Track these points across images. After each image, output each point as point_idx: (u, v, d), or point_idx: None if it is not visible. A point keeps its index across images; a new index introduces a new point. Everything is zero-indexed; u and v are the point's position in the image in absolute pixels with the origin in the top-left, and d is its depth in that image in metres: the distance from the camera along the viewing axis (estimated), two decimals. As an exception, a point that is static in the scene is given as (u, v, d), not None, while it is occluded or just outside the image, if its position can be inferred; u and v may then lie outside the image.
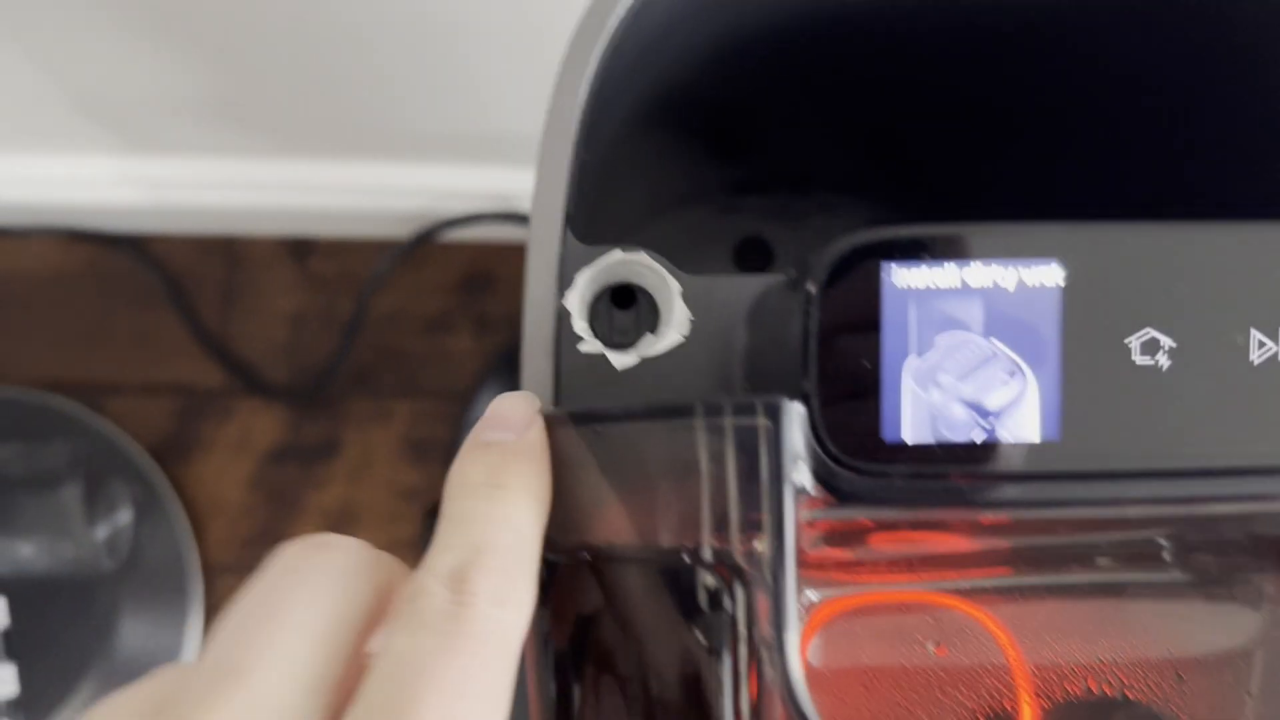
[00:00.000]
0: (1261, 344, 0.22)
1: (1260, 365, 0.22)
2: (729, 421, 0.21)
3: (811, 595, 0.23)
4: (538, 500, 0.22)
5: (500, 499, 0.22)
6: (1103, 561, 0.25)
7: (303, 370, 0.79)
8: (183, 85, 0.63)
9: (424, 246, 0.77)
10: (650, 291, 0.28)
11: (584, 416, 0.23)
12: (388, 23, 0.57)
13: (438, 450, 0.79)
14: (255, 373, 0.78)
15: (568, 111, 0.26)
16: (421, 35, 0.58)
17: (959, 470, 0.22)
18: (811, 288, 0.22)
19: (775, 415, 0.21)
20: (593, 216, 0.37)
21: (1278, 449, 0.22)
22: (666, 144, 0.46)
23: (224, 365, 0.77)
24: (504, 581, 0.20)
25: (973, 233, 0.21)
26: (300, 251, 0.80)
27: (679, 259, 0.55)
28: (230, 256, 0.80)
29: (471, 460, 0.23)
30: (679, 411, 0.22)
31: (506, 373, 0.80)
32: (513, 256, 0.80)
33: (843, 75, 0.39)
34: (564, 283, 0.27)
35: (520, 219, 0.74)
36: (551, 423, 0.24)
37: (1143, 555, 0.25)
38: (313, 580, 0.20)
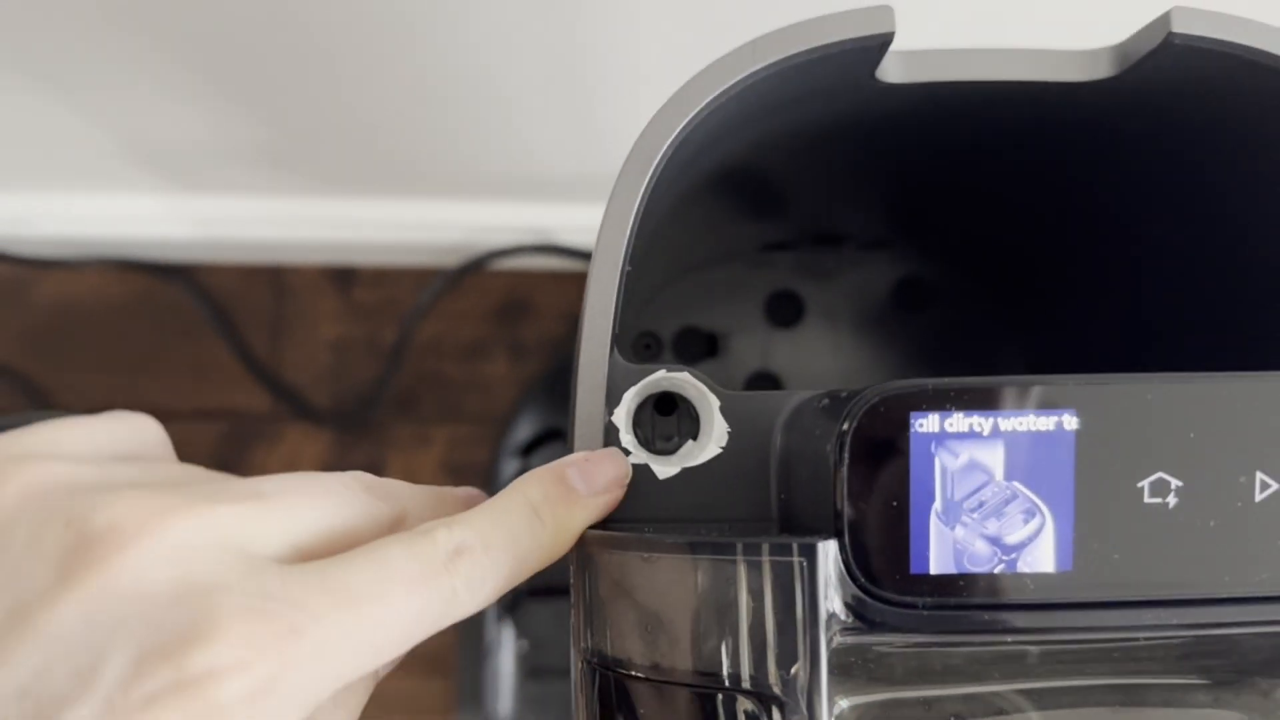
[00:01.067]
0: (1265, 484, 0.23)
1: (1263, 502, 0.23)
2: (767, 560, 0.23)
3: (843, 703, 0.25)
4: (550, 552, 0.26)
5: (531, 530, 0.25)
6: (1122, 665, 0.26)
7: (347, 396, 0.81)
8: (232, 131, 0.66)
9: (468, 276, 0.79)
10: (691, 403, 0.30)
11: (635, 543, 0.25)
12: (429, 74, 0.59)
13: (476, 473, 0.82)
14: (302, 398, 0.81)
15: (615, 246, 0.28)
16: (461, 85, 0.60)
17: (981, 600, 0.24)
18: (845, 431, 0.23)
19: (810, 554, 0.23)
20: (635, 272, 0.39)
21: (1277, 578, 0.24)
22: (703, 209, 0.48)
23: (271, 391, 0.80)
24: (483, 582, 0.24)
25: (995, 385, 0.23)
26: (344, 281, 0.82)
27: (714, 311, 0.57)
28: (277, 286, 0.82)
29: (547, 481, 0.27)
30: (722, 548, 0.24)
31: (542, 398, 0.82)
32: (546, 284, 0.82)
33: (885, 153, 0.40)
34: (611, 400, 0.29)
35: (557, 250, 0.76)
36: (604, 544, 0.26)
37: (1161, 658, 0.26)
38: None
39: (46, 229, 0.75)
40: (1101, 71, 0.31)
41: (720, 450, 0.28)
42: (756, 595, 0.23)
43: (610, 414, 0.29)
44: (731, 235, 0.52)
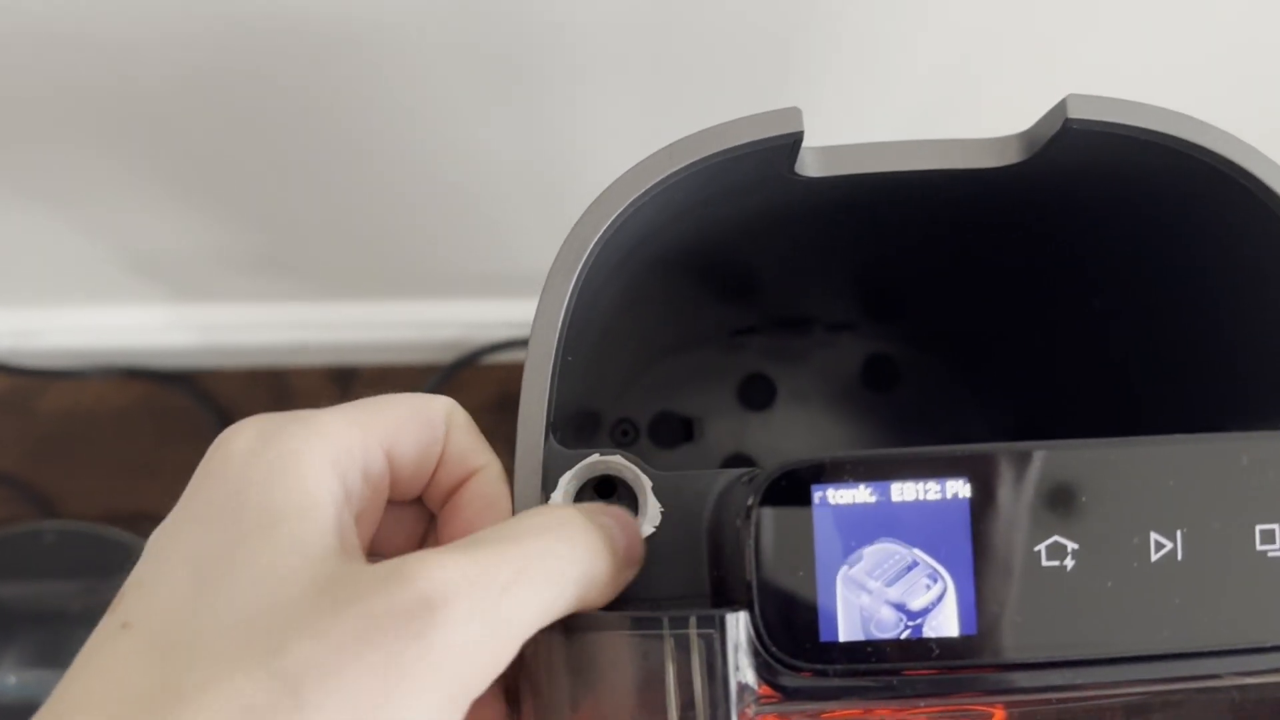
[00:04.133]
0: (1159, 544, 0.24)
1: (1158, 562, 0.24)
2: (669, 635, 0.24)
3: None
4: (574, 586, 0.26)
5: (553, 552, 0.25)
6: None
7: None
8: (231, 240, 0.68)
9: (460, 371, 0.81)
10: (628, 484, 0.31)
11: (571, 626, 0.26)
12: (422, 184, 0.61)
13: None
14: (302, 498, 0.82)
15: (547, 338, 0.30)
16: (452, 193, 0.62)
17: (889, 665, 0.24)
18: (750, 505, 0.25)
19: (715, 626, 0.24)
20: (595, 373, 0.41)
21: (1177, 636, 0.24)
22: (669, 295, 0.50)
23: (273, 492, 0.82)
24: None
25: (889, 458, 0.24)
26: (344, 380, 0.84)
27: (689, 396, 0.59)
28: (278, 388, 0.84)
29: (587, 515, 0.27)
30: (649, 623, 0.25)
31: (540, 489, 0.83)
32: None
33: (828, 240, 0.42)
34: (548, 484, 0.30)
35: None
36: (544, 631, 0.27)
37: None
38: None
39: (51, 341, 0.78)
40: (1010, 157, 0.33)
41: (654, 529, 0.30)
42: (669, 670, 0.24)
43: (548, 499, 0.30)
44: (701, 321, 0.53)
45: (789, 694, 0.25)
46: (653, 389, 0.55)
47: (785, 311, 0.53)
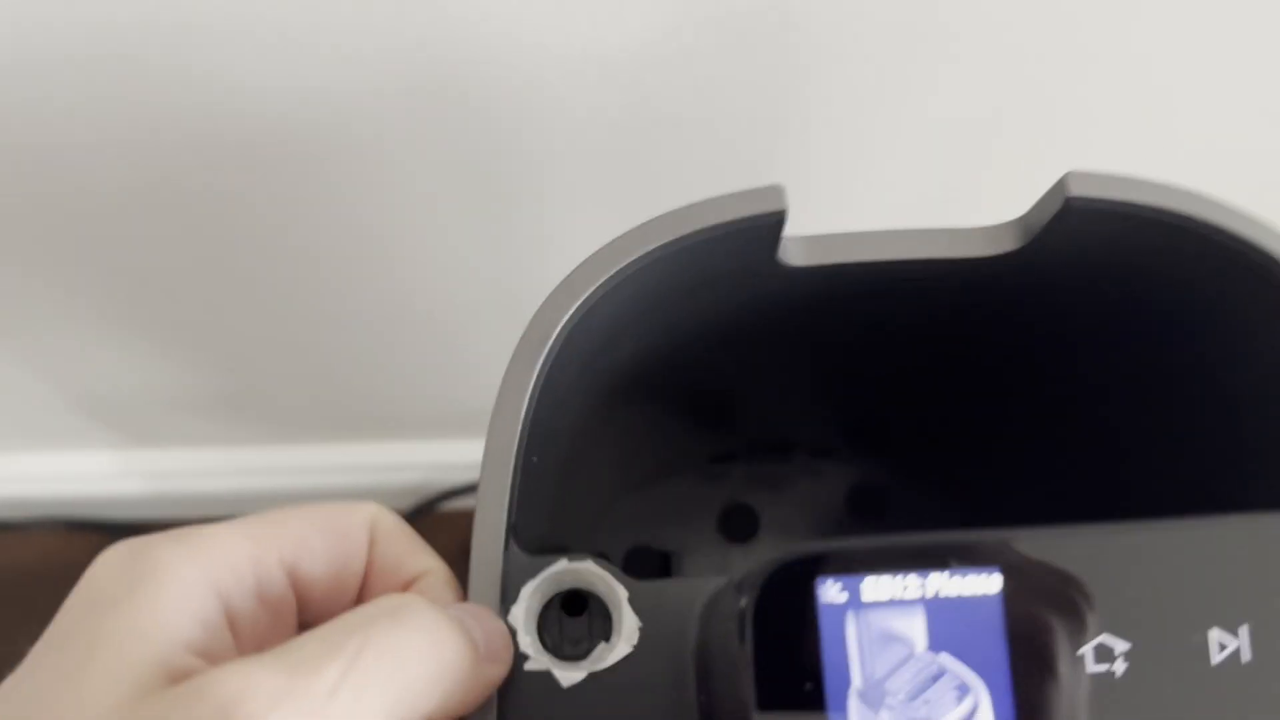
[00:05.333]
0: (1222, 645, 0.21)
1: (1220, 666, 0.21)
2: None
3: None
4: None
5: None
6: None
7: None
8: (181, 383, 0.65)
9: (423, 516, 0.77)
10: (601, 598, 0.27)
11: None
12: (386, 309, 0.59)
13: None
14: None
15: (508, 430, 0.27)
16: (418, 322, 0.60)
17: (917, 799, 0.20)
18: (745, 606, 0.21)
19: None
20: (562, 501, 0.37)
21: (1255, 757, 0.21)
22: (643, 413, 0.47)
23: (218, 652, 0.76)
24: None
25: (905, 545, 0.21)
26: (299, 530, 0.80)
27: (665, 529, 0.55)
28: (228, 539, 0.79)
29: (428, 601, 0.23)
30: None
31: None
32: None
33: (812, 340, 0.40)
34: (508, 597, 0.26)
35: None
36: None
37: None
38: None
39: (-11, 489, 0.73)
40: (1005, 245, 0.31)
41: (631, 649, 0.26)
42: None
43: (508, 613, 0.26)
44: (678, 447, 0.50)
45: (797, 835, 0.20)
46: (627, 521, 0.51)
47: (766, 435, 0.50)
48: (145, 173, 0.46)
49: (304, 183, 0.47)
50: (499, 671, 0.25)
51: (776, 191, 0.28)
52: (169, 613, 0.22)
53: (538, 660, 0.26)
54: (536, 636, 0.27)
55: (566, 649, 0.27)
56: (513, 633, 0.26)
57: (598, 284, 0.28)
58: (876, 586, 0.21)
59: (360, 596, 0.26)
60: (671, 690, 0.25)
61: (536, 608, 0.27)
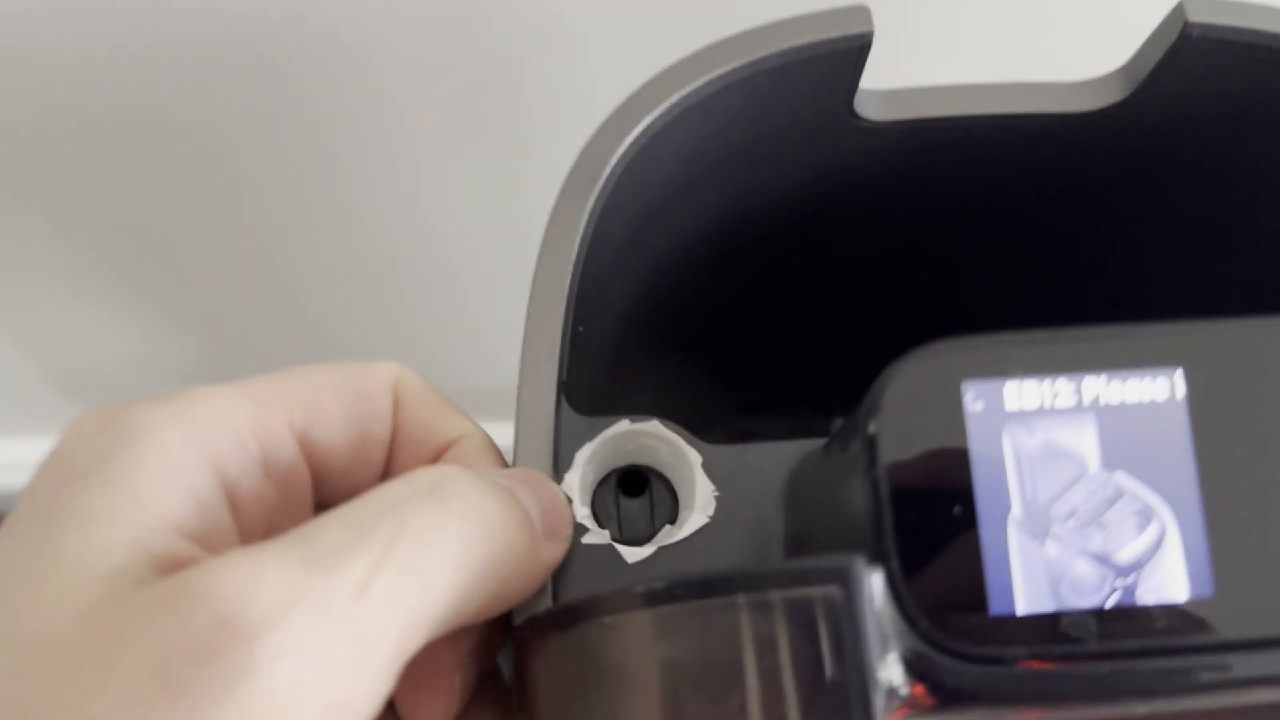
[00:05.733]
0: None
1: None
2: (779, 596, 0.16)
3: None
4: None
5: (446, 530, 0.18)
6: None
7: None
8: (159, 352, 0.61)
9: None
10: (664, 472, 0.23)
11: (579, 611, 0.18)
12: (391, 281, 0.55)
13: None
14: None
15: (557, 270, 0.23)
16: (408, 290, 0.56)
17: (1093, 649, 0.16)
18: (873, 428, 0.17)
19: (848, 582, 0.16)
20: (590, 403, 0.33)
21: None
22: (673, 370, 0.43)
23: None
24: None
25: (1070, 340, 0.17)
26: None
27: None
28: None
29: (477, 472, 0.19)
30: (711, 587, 0.16)
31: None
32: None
33: (886, 217, 0.36)
34: (561, 464, 0.22)
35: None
36: (545, 624, 0.19)
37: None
38: None
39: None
40: (1112, 96, 0.28)
41: (707, 520, 0.22)
42: (768, 651, 0.16)
43: (560, 480, 0.22)
44: (706, 400, 0.46)
45: (949, 697, 0.16)
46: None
47: (800, 388, 0.47)
48: (110, 101, 0.42)
49: (288, 105, 0.43)
50: (559, 550, 0.21)
51: (862, 12, 0.25)
52: (151, 486, 0.18)
53: (596, 534, 0.22)
54: (591, 511, 0.22)
55: (625, 533, 0.23)
56: (568, 502, 0.22)
57: (659, 111, 0.24)
58: (1037, 391, 0.17)
59: (387, 470, 0.22)
60: (754, 555, 0.21)
61: (592, 480, 0.23)
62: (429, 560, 0.17)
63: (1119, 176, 0.29)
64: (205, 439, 0.19)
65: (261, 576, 0.16)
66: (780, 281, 0.37)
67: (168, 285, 0.56)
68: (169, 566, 0.17)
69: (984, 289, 0.33)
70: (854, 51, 0.25)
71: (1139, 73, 0.27)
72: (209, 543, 0.18)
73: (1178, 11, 0.25)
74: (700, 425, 0.48)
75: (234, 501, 0.19)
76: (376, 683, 0.16)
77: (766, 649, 0.16)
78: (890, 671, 0.16)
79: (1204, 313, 0.31)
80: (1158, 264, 0.31)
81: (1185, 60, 0.26)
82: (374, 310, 0.58)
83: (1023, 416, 0.17)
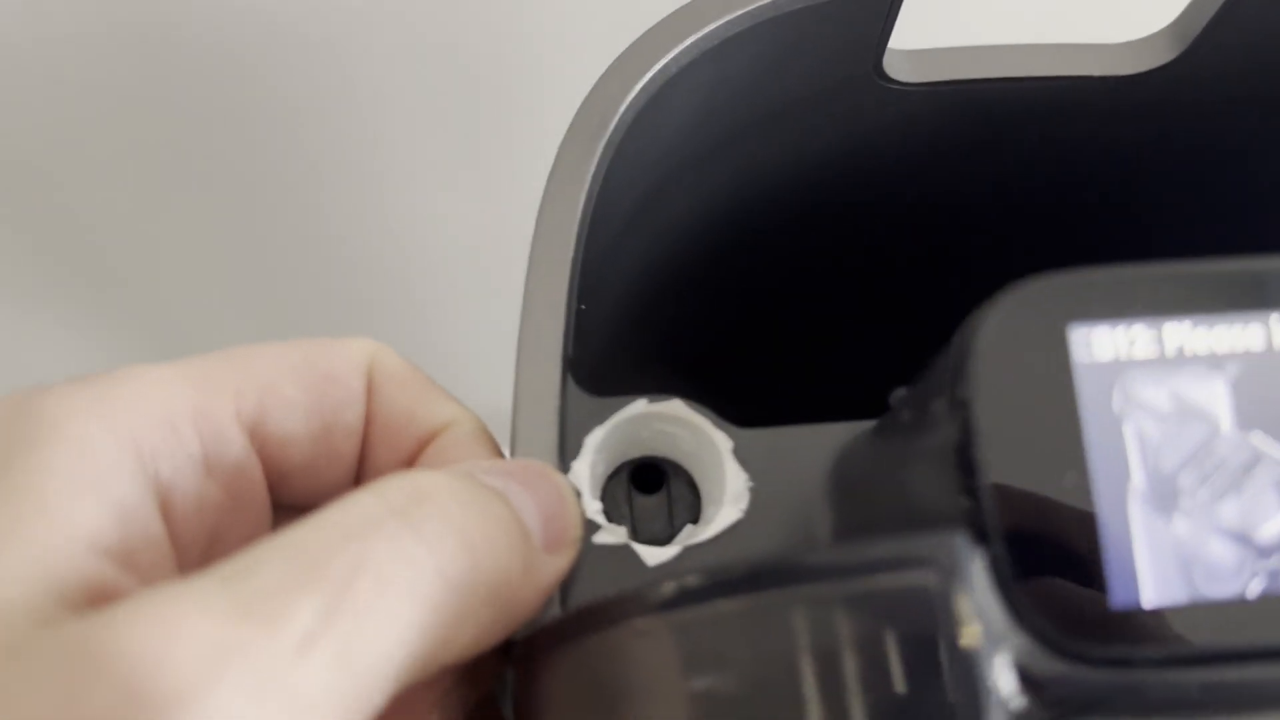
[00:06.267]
0: None
1: None
2: (864, 586, 0.13)
3: None
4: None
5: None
6: None
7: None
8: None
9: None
10: (684, 463, 0.20)
11: (601, 616, 0.15)
12: (366, 286, 0.52)
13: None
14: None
15: (561, 226, 0.20)
16: (402, 294, 0.53)
17: (1234, 643, 0.13)
18: (963, 390, 0.14)
19: (951, 568, 0.13)
20: (618, 349, 0.30)
21: None
22: (670, 375, 0.40)
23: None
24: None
25: (1197, 275, 0.14)
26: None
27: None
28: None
29: (464, 476, 0.16)
30: (771, 577, 0.13)
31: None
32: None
33: (913, 188, 0.33)
34: (567, 451, 0.19)
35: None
36: (547, 642, 0.15)
37: None
38: None
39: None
40: (1160, 57, 0.25)
41: (740, 514, 0.19)
42: (863, 658, 0.13)
43: (568, 469, 0.19)
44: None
45: (1067, 709, 0.13)
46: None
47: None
48: (76, 107, 0.38)
49: (258, 104, 0.40)
50: (564, 562, 0.17)
51: (894, -48, 0.22)
52: (62, 495, 0.14)
53: (611, 533, 0.18)
54: (601, 505, 0.19)
55: (640, 533, 0.20)
56: (576, 495, 0.18)
57: (672, 54, 0.21)
58: (1158, 337, 0.14)
59: (360, 465, 0.19)
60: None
61: (604, 472, 0.20)
62: (396, 602, 0.13)
63: (1169, 143, 0.26)
64: (133, 430, 0.15)
65: (181, 632, 0.12)
66: (788, 275, 0.34)
67: (126, 294, 0.52)
68: (83, 598, 0.14)
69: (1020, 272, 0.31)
70: (881, 9, 0.23)
71: (1189, 31, 0.25)
72: (135, 561, 0.15)
73: (1239, -43, 0.23)
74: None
75: (168, 508, 0.16)
76: None
77: (851, 652, 0.13)
78: (999, 679, 0.13)
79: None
80: (1207, 240, 0.29)
81: (1241, 16, 0.24)
82: (348, 316, 0.55)
83: (1141, 366, 0.14)
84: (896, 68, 0.25)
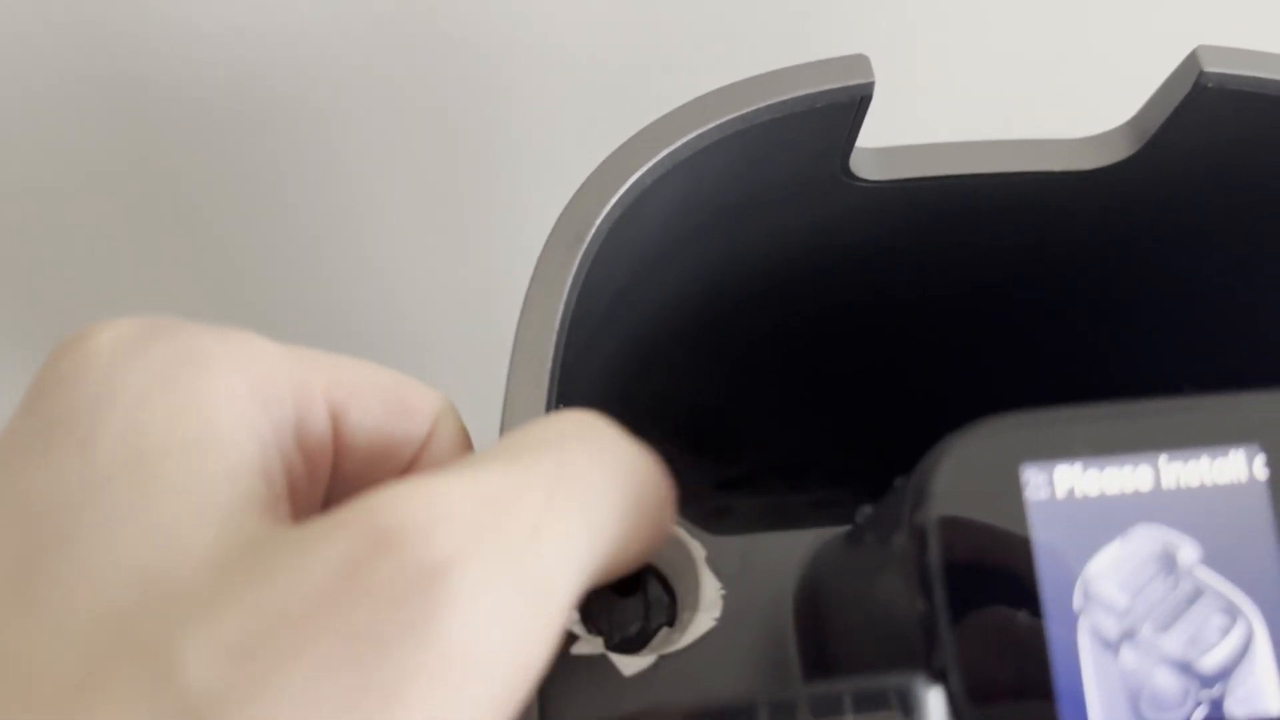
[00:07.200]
0: None
1: None
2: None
3: None
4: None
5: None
6: None
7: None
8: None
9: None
10: (659, 567, 0.21)
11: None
12: (352, 330, 0.52)
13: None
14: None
15: (540, 337, 0.20)
16: (389, 356, 0.53)
17: (1183, 775, 0.14)
18: (922, 518, 0.15)
19: (909, 709, 0.13)
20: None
21: None
22: (649, 437, 0.40)
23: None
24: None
25: (1141, 415, 0.15)
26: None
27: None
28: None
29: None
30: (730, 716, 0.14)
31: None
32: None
33: (822, 367, 0.34)
34: (547, 560, 0.20)
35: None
36: None
37: None
38: None
39: None
40: (1119, 153, 0.26)
41: (714, 622, 0.19)
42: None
43: (547, 580, 0.19)
44: (679, 476, 0.44)
45: (1021, 838, 0.14)
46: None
47: (777, 463, 0.44)
48: (58, 161, 0.39)
49: (241, 149, 0.40)
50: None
51: (861, 61, 0.23)
52: (232, 421, 0.15)
53: (588, 643, 0.19)
54: (578, 613, 0.20)
55: (617, 637, 0.20)
56: (554, 605, 0.19)
57: (646, 167, 0.22)
58: (1105, 474, 0.15)
59: None
60: (767, 666, 0.19)
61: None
62: (590, 500, 0.15)
63: (1128, 236, 0.27)
64: (259, 386, 0.16)
65: (445, 509, 0.13)
66: (766, 351, 0.35)
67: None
68: (271, 515, 0.14)
69: (984, 358, 0.31)
70: (853, 104, 0.23)
71: (1149, 127, 0.26)
72: (273, 490, 0.15)
73: (1191, 62, 0.24)
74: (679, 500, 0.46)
75: (280, 454, 0.16)
76: (553, 638, 0.14)
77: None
78: (955, 812, 0.14)
79: (1228, 382, 0.29)
80: (1172, 329, 0.29)
81: (1199, 113, 0.25)
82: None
83: (1089, 503, 0.15)
84: (863, 166, 0.26)
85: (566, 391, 0.22)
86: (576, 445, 0.15)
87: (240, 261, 0.46)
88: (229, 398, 0.15)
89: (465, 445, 0.19)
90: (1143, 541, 0.15)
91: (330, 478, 0.18)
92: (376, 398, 0.18)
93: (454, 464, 0.14)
